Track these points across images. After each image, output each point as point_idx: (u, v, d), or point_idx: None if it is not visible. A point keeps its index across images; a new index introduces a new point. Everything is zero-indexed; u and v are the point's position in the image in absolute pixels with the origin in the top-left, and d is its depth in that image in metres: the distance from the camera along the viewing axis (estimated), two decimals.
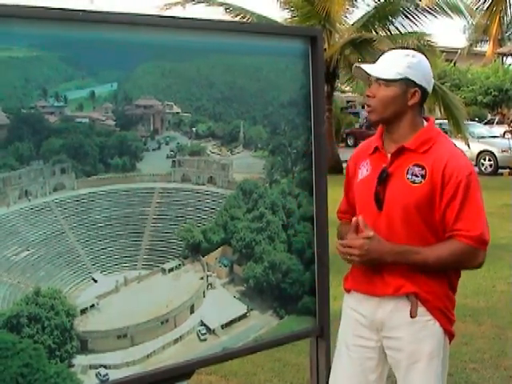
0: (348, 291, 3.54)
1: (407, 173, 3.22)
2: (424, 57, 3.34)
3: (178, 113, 3.76)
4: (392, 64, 3.23)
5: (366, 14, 23.96)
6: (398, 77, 3.20)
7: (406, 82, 3.22)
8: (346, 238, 3.30)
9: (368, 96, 3.28)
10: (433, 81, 3.36)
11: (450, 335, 3.36)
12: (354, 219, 3.22)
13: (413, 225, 3.21)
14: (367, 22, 23.46)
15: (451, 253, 3.19)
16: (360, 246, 3.15)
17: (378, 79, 3.24)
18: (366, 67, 3.27)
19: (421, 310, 3.25)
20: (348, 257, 3.21)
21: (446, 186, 3.15)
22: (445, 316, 3.32)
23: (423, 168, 3.20)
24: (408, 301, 3.25)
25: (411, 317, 3.25)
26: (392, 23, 23.62)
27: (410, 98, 3.24)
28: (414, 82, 3.23)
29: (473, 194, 3.19)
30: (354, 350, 3.45)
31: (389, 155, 3.29)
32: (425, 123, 3.36)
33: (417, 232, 3.22)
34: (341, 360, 3.52)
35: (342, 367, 3.50)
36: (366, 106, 3.35)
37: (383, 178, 3.26)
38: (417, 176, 3.20)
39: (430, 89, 3.31)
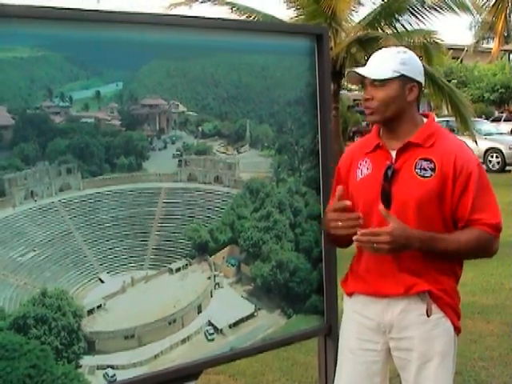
0: (350, 295, 3.47)
1: (415, 167, 3.20)
2: (412, 52, 3.32)
3: (183, 112, 3.75)
4: (386, 63, 3.20)
5: (372, 11, 23.84)
6: (395, 75, 3.18)
7: (403, 79, 3.20)
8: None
9: (367, 99, 3.25)
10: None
11: (458, 331, 3.35)
12: (380, 207, 3.15)
13: (424, 219, 3.18)
14: (373, 20, 23.35)
15: (473, 240, 3.17)
16: (390, 233, 3.05)
17: (374, 81, 3.21)
18: (360, 71, 3.24)
19: (433, 307, 3.23)
20: (375, 245, 3.09)
21: (458, 178, 3.15)
22: (454, 312, 3.31)
23: (431, 161, 3.18)
24: (420, 299, 3.22)
25: (427, 316, 3.22)
26: (398, 21, 23.47)
27: (408, 94, 3.23)
28: (410, 78, 3.21)
29: (485, 183, 3.21)
30: (359, 354, 3.40)
31: (392, 152, 3.27)
32: (424, 119, 3.35)
33: (428, 226, 3.18)
34: (346, 365, 3.45)
35: (347, 372, 3.44)
36: (364, 109, 3.30)
37: (390, 175, 3.24)
38: (426, 170, 3.18)
39: (423, 82, 3.31)
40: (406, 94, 3.22)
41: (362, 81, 3.28)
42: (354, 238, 3.09)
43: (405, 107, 3.24)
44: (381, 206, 3.11)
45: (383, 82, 3.18)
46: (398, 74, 3.18)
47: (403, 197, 3.19)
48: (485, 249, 3.26)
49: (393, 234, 3.05)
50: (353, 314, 3.44)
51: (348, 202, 3.15)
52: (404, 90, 3.21)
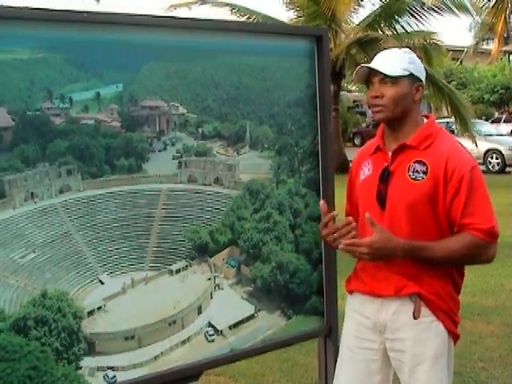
0: (351, 293, 3.50)
1: (408, 170, 3.20)
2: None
3: (183, 114, 3.75)
4: (396, 61, 3.21)
5: (371, 13, 23.91)
6: (405, 73, 3.19)
7: (411, 78, 3.21)
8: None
9: (376, 97, 3.24)
10: None
11: (454, 336, 3.33)
12: (366, 215, 3.16)
13: (417, 222, 3.18)
14: (373, 22, 23.41)
15: (462, 247, 3.14)
16: (369, 245, 3.09)
17: (385, 77, 3.20)
18: (375, 66, 3.23)
19: (424, 311, 3.22)
20: (357, 254, 3.15)
21: (449, 182, 3.13)
22: (449, 317, 3.28)
23: (424, 164, 3.17)
24: (412, 302, 3.22)
25: (414, 318, 3.21)
26: (398, 22, 23.54)
27: (415, 93, 3.23)
28: (417, 77, 3.23)
29: (478, 187, 3.16)
30: (358, 352, 3.42)
31: (390, 153, 3.28)
32: (425, 120, 3.35)
33: (421, 229, 3.18)
34: (345, 363, 3.47)
35: (347, 370, 3.46)
36: (372, 107, 3.30)
37: (385, 177, 3.25)
38: (418, 172, 3.17)
39: (425, 83, 3.33)
40: (413, 92, 3.23)
41: (367, 79, 3.28)
42: (340, 247, 3.15)
43: (411, 107, 3.25)
44: (367, 214, 3.14)
45: (395, 80, 3.18)
46: (408, 73, 3.20)
47: (396, 199, 3.20)
48: (478, 255, 3.22)
49: (372, 247, 3.09)
50: (352, 313, 3.47)
51: (334, 214, 3.25)
52: (412, 89, 3.23)
